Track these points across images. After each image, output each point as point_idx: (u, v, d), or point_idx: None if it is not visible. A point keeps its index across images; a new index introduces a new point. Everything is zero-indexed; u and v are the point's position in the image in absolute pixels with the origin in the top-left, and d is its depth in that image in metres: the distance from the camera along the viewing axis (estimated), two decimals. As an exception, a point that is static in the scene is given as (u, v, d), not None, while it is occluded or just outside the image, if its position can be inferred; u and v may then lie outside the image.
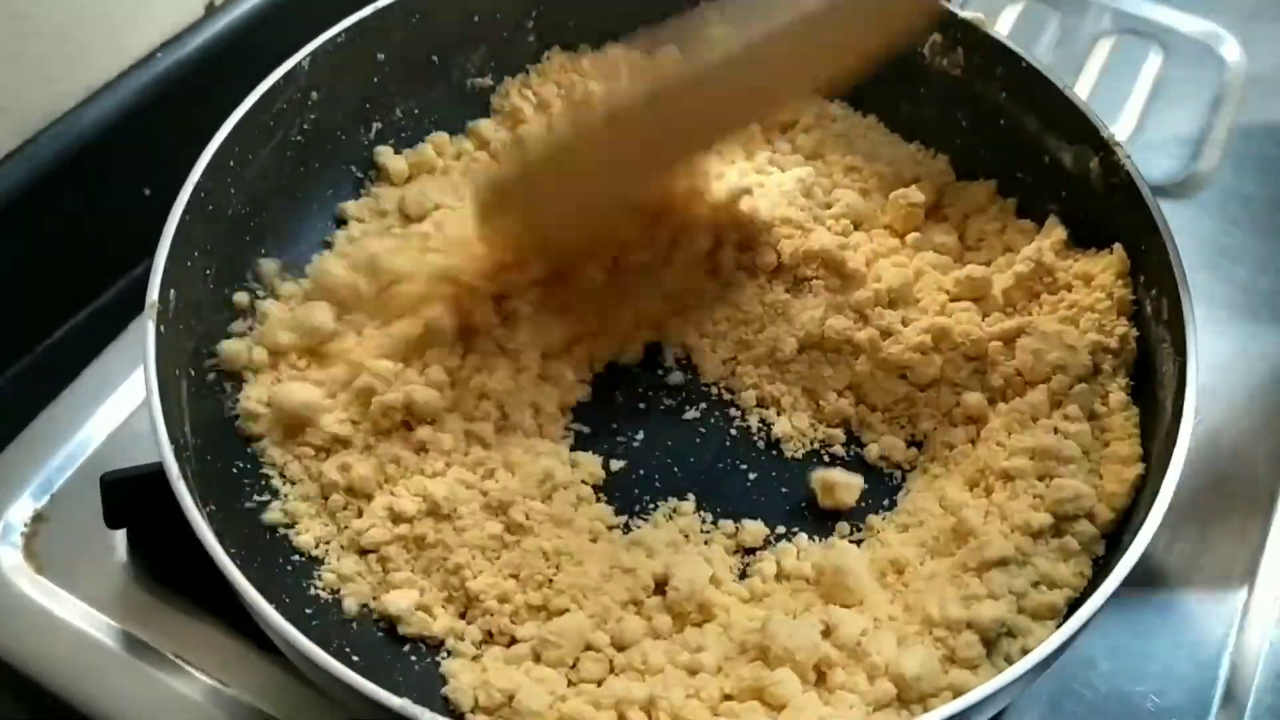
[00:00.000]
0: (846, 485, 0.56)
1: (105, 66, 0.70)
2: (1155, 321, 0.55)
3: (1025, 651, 0.48)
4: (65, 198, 0.69)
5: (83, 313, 0.72)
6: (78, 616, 0.57)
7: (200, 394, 0.54)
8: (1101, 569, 0.51)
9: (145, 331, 0.51)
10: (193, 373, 0.54)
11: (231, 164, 0.58)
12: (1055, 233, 0.60)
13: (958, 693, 0.47)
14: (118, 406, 0.64)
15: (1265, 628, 0.58)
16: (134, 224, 0.72)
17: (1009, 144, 0.63)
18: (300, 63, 0.60)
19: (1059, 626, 0.49)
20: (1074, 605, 0.50)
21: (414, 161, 0.67)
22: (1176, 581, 0.59)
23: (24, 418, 0.64)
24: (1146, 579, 0.58)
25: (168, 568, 0.58)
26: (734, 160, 0.67)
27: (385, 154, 0.66)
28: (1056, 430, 0.54)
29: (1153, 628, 0.58)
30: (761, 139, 0.69)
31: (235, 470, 0.55)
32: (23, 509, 0.60)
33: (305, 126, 0.62)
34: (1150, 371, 0.55)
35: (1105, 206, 0.58)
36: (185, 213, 0.54)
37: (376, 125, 0.67)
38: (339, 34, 0.62)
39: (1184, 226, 0.56)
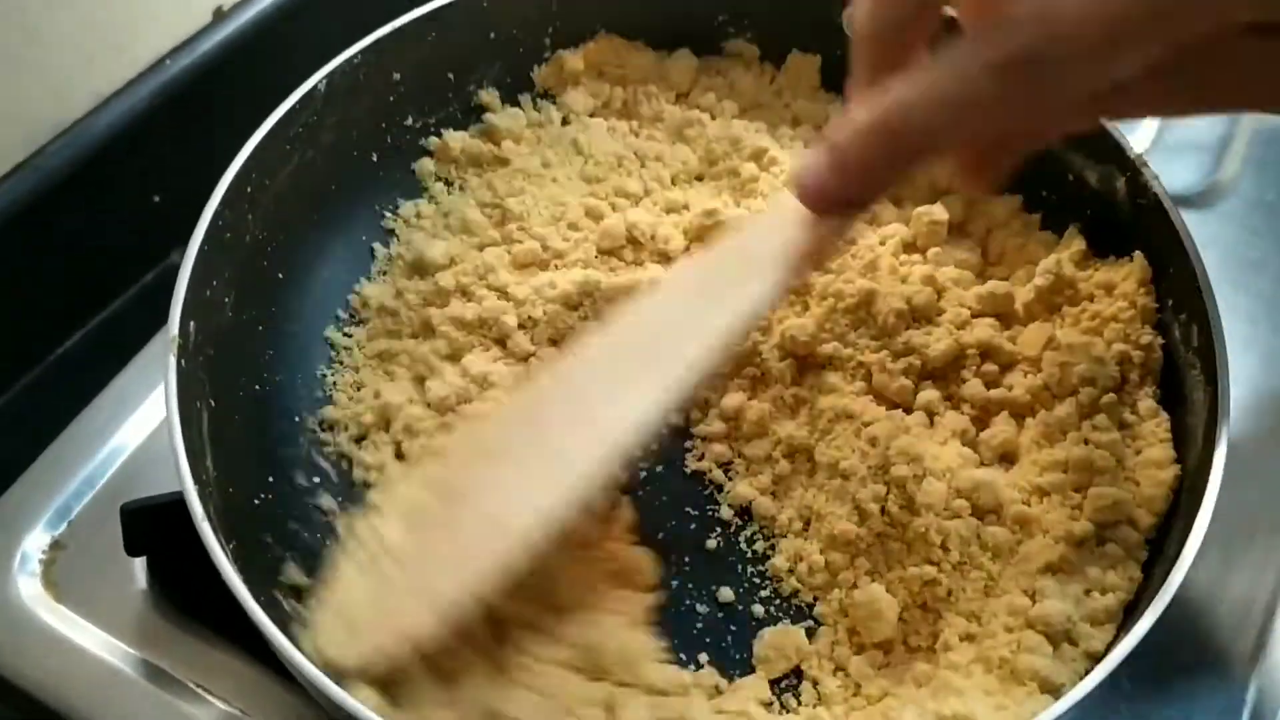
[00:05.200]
0: None
1: (114, 75, 0.70)
2: (1185, 347, 0.54)
3: (1089, 655, 0.48)
4: (75, 206, 0.69)
5: (94, 321, 0.72)
6: (97, 644, 0.57)
7: (220, 424, 0.54)
8: (1149, 573, 0.50)
9: (166, 367, 0.51)
10: (213, 403, 0.54)
11: (249, 190, 0.57)
12: (1075, 244, 0.60)
13: (1044, 685, 0.47)
14: (133, 431, 0.64)
15: (1292, 648, 0.57)
16: (144, 232, 0.73)
17: (1033, 161, 0.62)
18: (317, 85, 0.60)
19: (1118, 631, 0.48)
20: (1128, 610, 0.50)
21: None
22: (1202, 600, 0.59)
23: (36, 427, 0.64)
24: (1172, 599, 0.58)
25: (187, 595, 0.58)
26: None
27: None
28: (1087, 441, 0.54)
29: (1178, 647, 0.57)
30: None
31: (256, 502, 0.55)
32: (40, 537, 0.60)
33: (321, 149, 0.62)
34: (1180, 398, 0.54)
35: (1132, 227, 0.58)
36: (204, 243, 0.54)
37: (391, 144, 0.66)
38: (355, 55, 0.61)
39: (1205, 237, 0.55)
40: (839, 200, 0.45)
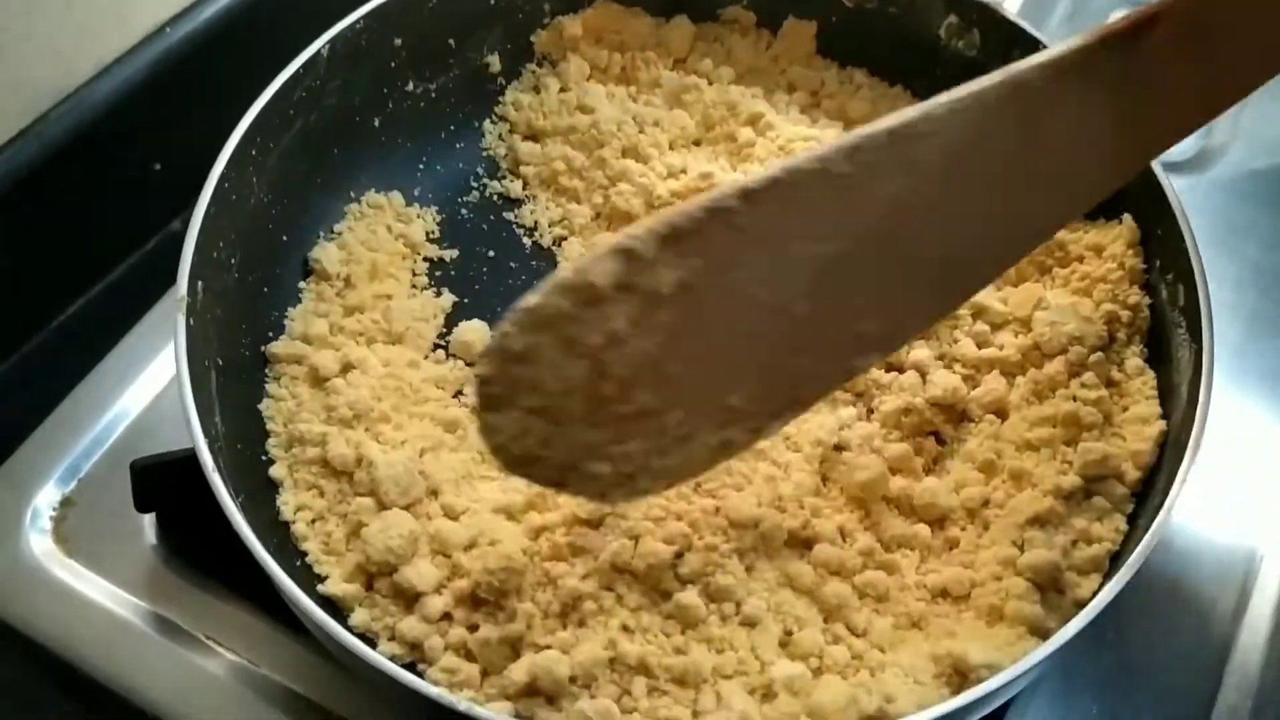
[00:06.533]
0: None
1: (114, 42, 0.70)
2: (1171, 307, 0.55)
3: (1077, 602, 0.49)
4: (77, 174, 0.69)
5: (96, 288, 0.73)
6: (108, 598, 0.58)
7: (228, 383, 0.55)
8: (1135, 524, 0.52)
9: (175, 326, 0.51)
10: (221, 362, 0.55)
11: (254, 154, 0.58)
12: (1064, 207, 0.61)
13: (1033, 629, 0.48)
14: (142, 390, 0.65)
15: (1273, 603, 0.59)
16: (146, 199, 0.74)
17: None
18: (320, 51, 0.60)
19: (1103, 580, 0.50)
20: (1113, 561, 0.51)
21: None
22: (1186, 556, 0.60)
23: (40, 393, 0.65)
24: (1156, 553, 0.59)
25: (197, 550, 0.59)
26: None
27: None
28: (1075, 399, 0.55)
29: (1162, 601, 0.58)
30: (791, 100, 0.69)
31: (264, 458, 0.56)
32: (51, 494, 0.61)
33: (323, 113, 0.62)
34: (1165, 357, 0.55)
35: (1121, 190, 0.58)
36: (210, 205, 0.55)
37: (392, 110, 0.67)
38: (357, 21, 0.62)
39: (1194, 203, 0.56)
40: None
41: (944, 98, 0.45)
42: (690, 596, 0.50)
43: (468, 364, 0.61)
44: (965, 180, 0.45)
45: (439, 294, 0.64)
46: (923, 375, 0.58)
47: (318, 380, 0.57)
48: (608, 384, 0.43)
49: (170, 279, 0.64)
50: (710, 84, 0.69)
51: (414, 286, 0.64)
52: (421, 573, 0.50)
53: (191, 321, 0.52)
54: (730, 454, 0.47)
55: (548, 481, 0.46)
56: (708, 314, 0.44)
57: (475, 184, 0.69)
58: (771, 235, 0.43)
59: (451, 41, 0.67)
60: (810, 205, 0.43)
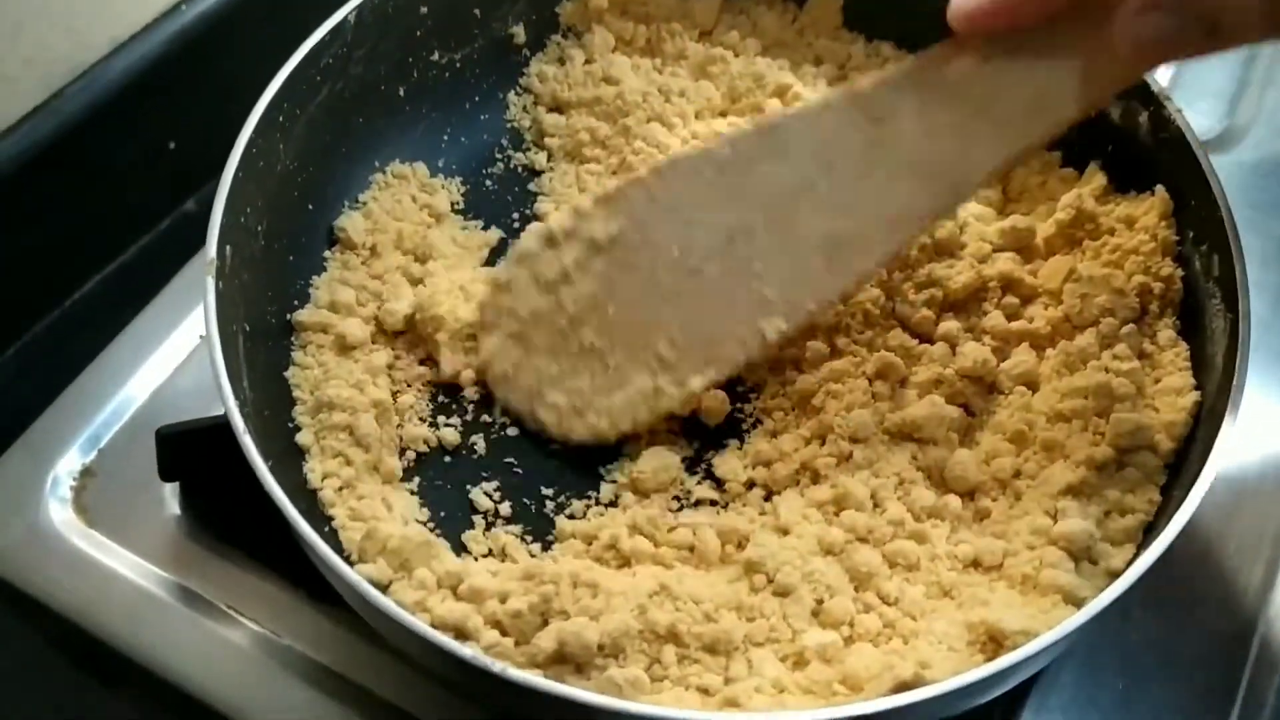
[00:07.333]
0: None
1: (130, 19, 0.70)
2: (1205, 278, 0.55)
3: (1110, 573, 0.48)
4: (92, 150, 0.69)
5: (111, 266, 0.73)
6: (129, 569, 0.58)
7: (255, 349, 0.54)
8: (1168, 496, 0.51)
9: (205, 288, 0.51)
10: (248, 328, 0.54)
11: (281, 120, 0.58)
12: (1096, 179, 0.60)
13: (1067, 598, 0.48)
14: (162, 363, 0.64)
15: (1301, 579, 0.58)
16: (160, 176, 0.73)
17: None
18: (346, 17, 0.60)
19: (1137, 550, 0.49)
20: (1147, 531, 0.50)
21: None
22: (1213, 534, 0.59)
23: (53, 372, 0.64)
24: (1183, 530, 0.59)
25: (220, 520, 0.59)
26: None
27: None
28: (1108, 370, 0.54)
29: (1189, 578, 0.58)
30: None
31: (291, 425, 0.55)
32: (71, 463, 0.61)
33: (350, 82, 0.62)
34: (1199, 328, 0.55)
35: (1153, 162, 0.58)
36: (238, 170, 0.54)
37: (417, 80, 0.66)
38: (382, -13, 0.62)
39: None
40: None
41: (800, 104, 0.57)
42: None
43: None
44: (831, 169, 0.53)
45: (463, 264, 0.63)
46: (952, 347, 0.58)
47: (344, 348, 0.57)
48: (562, 317, 0.56)
49: (186, 256, 0.64)
50: (736, 56, 0.68)
51: (438, 256, 0.63)
52: None
53: (220, 285, 0.52)
54: (664, 405, 0.55)
55: (519, 403, 0.57)
56: (636, 265, 0.55)
57: (499, 155, 0.68)
58: (677, 204, 0.54)
59: (477, 11, 0.67)
60: (705, 181, 0.54)
